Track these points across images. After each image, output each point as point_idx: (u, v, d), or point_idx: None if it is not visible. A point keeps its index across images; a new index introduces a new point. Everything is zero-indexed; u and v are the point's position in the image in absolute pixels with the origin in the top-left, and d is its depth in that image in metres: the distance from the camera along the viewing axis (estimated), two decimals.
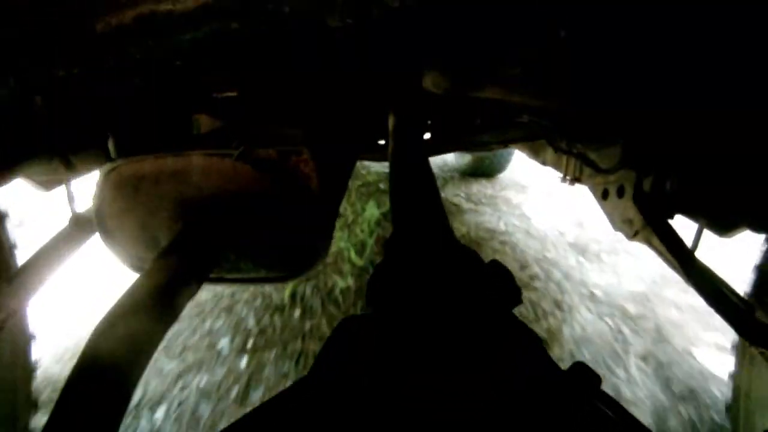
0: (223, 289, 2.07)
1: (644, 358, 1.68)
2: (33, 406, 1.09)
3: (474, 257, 0.53)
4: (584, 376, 0.38)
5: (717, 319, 0.85)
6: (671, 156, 0.90)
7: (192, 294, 0.68)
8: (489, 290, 0.47)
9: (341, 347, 0.41)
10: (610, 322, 1.88)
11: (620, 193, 1.19)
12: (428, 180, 0.83)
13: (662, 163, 0.95)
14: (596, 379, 0.38)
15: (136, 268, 0.81)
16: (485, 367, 0.38)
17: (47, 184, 1.05)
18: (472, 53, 0.72)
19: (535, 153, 1.84)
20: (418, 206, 0.70)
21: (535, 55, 0.70)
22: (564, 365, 0.38)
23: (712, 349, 1.74)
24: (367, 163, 3.95)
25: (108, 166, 0.73)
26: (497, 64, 0.77)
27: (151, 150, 0.73)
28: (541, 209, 3.17)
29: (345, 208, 2.98)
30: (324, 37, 0.65)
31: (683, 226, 1.00)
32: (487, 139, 1.78)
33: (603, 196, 1.29)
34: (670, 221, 1.01)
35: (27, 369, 1.06)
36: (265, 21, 0.61)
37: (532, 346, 0.42)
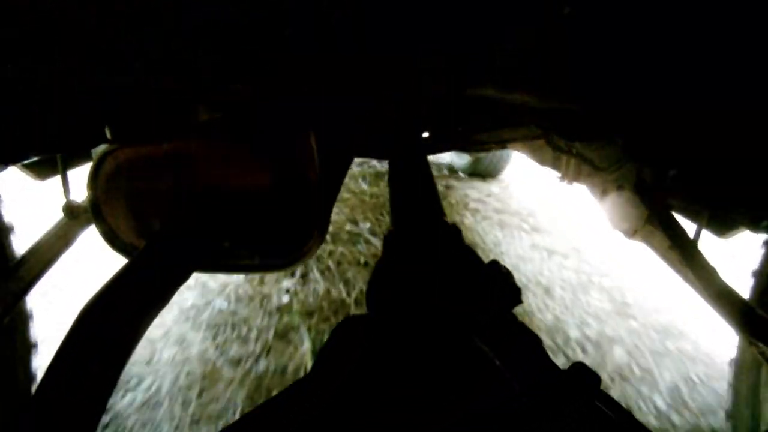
0: None
1: None
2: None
3: (473, 257, 0.53)
4: (584, 376, 0.38)
5: None
6: (671, 155, 0.90)
7: (183, 280, 0.67)
8: (488, 290, 0.47)
9: (341, 348, 0.41)
10: None
11: (619, 191, 1.19)
12: (427, 179, 0.83)
13: (662, 159, 0.95)
14: (596, 379, 0.38)
15: (128, 256, 0.80)
16: (484, 367, 0.38)
17: (42, 174, 1.03)
18: (468, 31, 0.71)
19: (534, 153, 1.84)
20: (417, 205, 0.70)
21: (532, 38, 0.69)
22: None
23: None
24: None
25: (103, 150, 0.72)
26: (494, 51, 0.76)
27: (148, 137, 0.72)
28: None
29: None
30: (320, 17, 0.64)
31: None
32: (485, 138, 1.78)
33: (602, 195, 1.30)
34: (671, 214, 1.01)
35: (27, 373, 1.05)
36: (261, 1, 0.60)
37: (532, 347, 0.42)
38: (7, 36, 0.59)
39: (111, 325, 0.50)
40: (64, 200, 0.94)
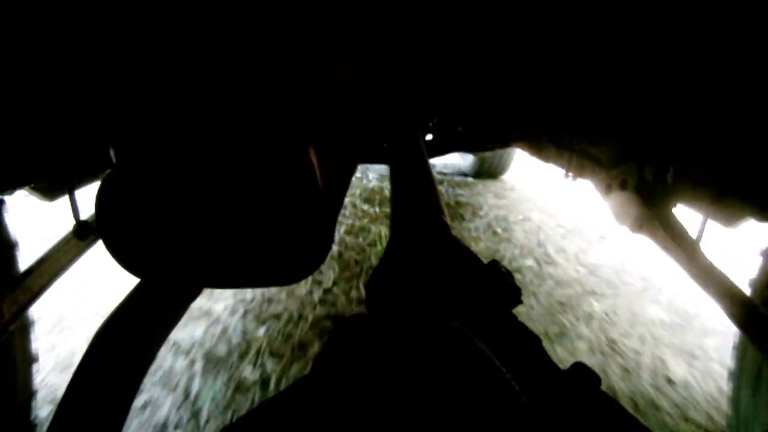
0: None
1: None
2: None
3: (473, 258, 0.53)
4: (584, 376, 0.38)
5: None
6: (673, 149, 0.90)
7: (193, 298, 0.68)
8: (488, 290, 0.47)
9: (340, 348, 0.41)
10: None
11: (623, 187, 1.18)
12: (428, 181, 0.83)
13: (664, 154, 0.94)
14: (596, 379, 0.38)
15: (139, 275, 0.82)
16: (483, 368, 0.38)
17: (50, 194, 1.05)
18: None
19: (537, 151, 1.83)
20: (418, 207, 0.70)
21: None
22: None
23: None
24: None
25: (110, 171, 0.74)
26: None
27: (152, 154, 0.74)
28: None
29: None
30: None
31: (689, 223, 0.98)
32: (488, 138, 1.78)
33: (606, 191, 1.29)
34: (674, 211, 1.00)
35: (27, 389, 1.06)
36: None
37: (532, 347, 0.42)
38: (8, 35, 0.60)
39: (126, 344, 0.51)
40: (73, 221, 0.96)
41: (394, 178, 0.87)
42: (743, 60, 0.58)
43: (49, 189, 1.05)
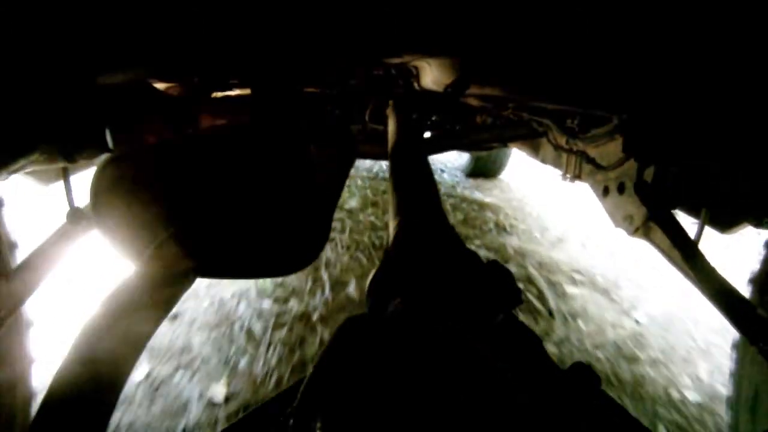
0: None
1: None
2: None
3: (473, 257, 0.53)
4: (584, 376, 0.38)
5: None
6: (672, 151, 0.90)
7: (187, 287, 0.68)
8: (488, 291, 0.47)
9: (342, 348, 0.41)
10: None
11: (621, 189, 1.18)
12: (427, 178, 0.83)
13: (663, 156, 0.94)
14: (596, 379, 0.38)
15: (135, 263, 0.81)
16: (483, 368, 0.38)
17: (45, 179, 1.04)
18: None
19: (535, 151, 1.83)
20: (418, 205, 0.70)
21: None
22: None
23: None
24: None
25: (105, 158, 0.73)
26: None
27: (149, 141, 0.73)
28: None
29: None
30: None
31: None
32: (486, 137, 1.77)
33: (603, 193, 1.29)
34: (672, 213, 1.01)
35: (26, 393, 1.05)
36: None
37: (532, 347, 0.42)
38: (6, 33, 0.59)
39: (114, 336, 0.51)
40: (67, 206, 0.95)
41: (394, 174, 0.86)
42: (747, 63, 0.58)
43: (44, 174, 1.03)
